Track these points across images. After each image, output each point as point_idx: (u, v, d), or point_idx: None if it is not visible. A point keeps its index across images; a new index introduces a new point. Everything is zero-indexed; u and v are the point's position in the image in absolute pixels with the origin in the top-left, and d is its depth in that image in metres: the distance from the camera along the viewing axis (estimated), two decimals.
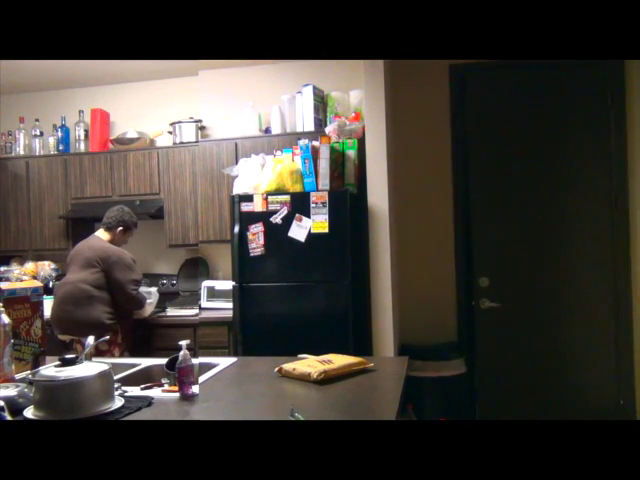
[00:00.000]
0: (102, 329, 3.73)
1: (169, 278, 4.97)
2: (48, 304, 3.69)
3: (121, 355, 3.84)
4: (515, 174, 4.02)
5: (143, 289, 4.18)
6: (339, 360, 2.30)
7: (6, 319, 2.12)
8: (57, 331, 3.77)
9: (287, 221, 3.62)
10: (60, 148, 5.11)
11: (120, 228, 4.02)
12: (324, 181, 3.66)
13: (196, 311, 4.52)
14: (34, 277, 4.44)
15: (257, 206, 3.72)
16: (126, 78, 5.01)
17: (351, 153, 3.80)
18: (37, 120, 5.15)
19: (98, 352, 3.61)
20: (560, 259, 3.97)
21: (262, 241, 3.68)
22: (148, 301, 4.15)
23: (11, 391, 1.87)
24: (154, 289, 4.34)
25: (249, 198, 3.75)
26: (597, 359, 3.96)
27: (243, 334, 3.70)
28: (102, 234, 4.02)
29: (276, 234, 3.64)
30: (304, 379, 2.16)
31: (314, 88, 4.34)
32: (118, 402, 1.85)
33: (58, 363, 1.84)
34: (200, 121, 4.80)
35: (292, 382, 2.19)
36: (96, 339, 3.67)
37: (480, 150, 4.05)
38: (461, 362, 3.90)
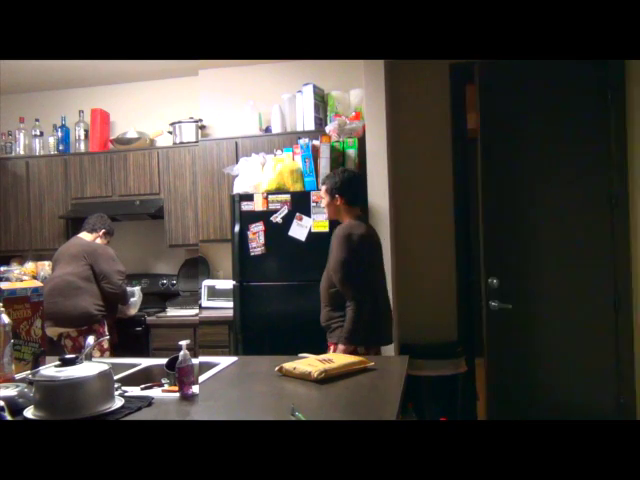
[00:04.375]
0: (90, 320, 3.85)
1: (169, 278, 4.97)
2: None
3: (109, 348, 3.89)
4: (515, 172, 4.02)
5: (127, 288, 4.22)
6: (339, 359, 2.30)
7: (6, 319, 2.12)
8: (45, 324, 3.79)
9: (287, 220, 3.62)
10: (60, 148, 5.11)
11: (103, 231, 4.15)
12: None
13: (196, 311, 4.53)
14: (34, 277, 4.43)
15: (257, 205, 3.72)
16: (126, 78, 5.01)
17: (351, 152, 3.80)
18: (37, 120, 5.15)
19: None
20: (561, 258, 3.97)
21: (262, 240, 3.68)
22: (132, 300, 4.18)
23: (11, 391, 1.87)
24: (137, 289, 4.37)
25: (249, 197, 3.76)
26: (597, 357, 3.95)
27: (243, 333, 3.71)
28: (85, 235, 4.14)
29: (276, 233, 3.64)
30: (305, 378, 2.16)
31: (314, 87, 4.33)
32: (118, 402, 1.85)
33: (58, 363, 1.84)
34: (200, 121, 4.80)
35: (293, 381, 2.19)
36: (87, 331, 3.76)
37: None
38: (461, 361, 3.90)
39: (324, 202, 3.17)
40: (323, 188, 3.16)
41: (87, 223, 4.18)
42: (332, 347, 3.13)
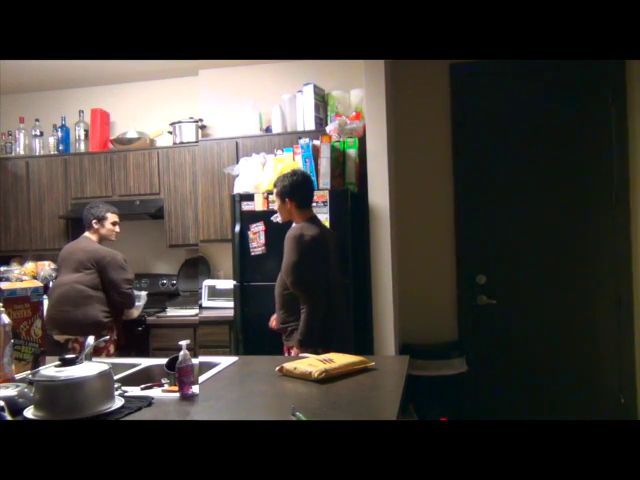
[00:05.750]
0: (100, 327, 3.81)
1: (169, 278, 4.97)
2: (46, 304, 3.72)
3: (115, 351, 3.89)
4: (516, 172, 4.02)
5: (134, 292, 4.20)
6: (340, 359, 2.30)
7: (6, 319, 2.12)
8: (54, 332, 3.79)
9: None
10: (60, 148, 5.11)
11: (94, 221, 4.04)
12: (325, 180, 3.67)
13: (196, 311, 4.52)
14: (34, 277, 4.43)
15: (258, 205, 3.72)
16: (126, 78, 5.01)
17: (352, 152, 3.80)
18: (37, 120, 5.15)
19: (94, 349, 3.66)
20: (561, 257, 3.97)
21: (263, 240, 3.68)
22: (137, 303, 4.17)
23: (11, 391, 1.87)
24: (143, 293, 4.35)
25: (250, 197, 3.76)
26: (598, 356, 3.96)
27: (244, 333, 3.70)
28: (89, 234, 4.08)
29: (277, 233, 3.63)
30: (305, 378, 2.16)
31: (315, 87, 4.33)
32: (118, 402, 1.85)
33: (58, 363, 1.84)
34: (200, 121, 4.80)
35: (293, 381, 2.19)
36: (95, 338, 3.75)
37: (481, 149, 4.05)
38: (462, 361, 3.90)
39: (276, 205, 3.25)
40: (274, 191, 3.23)
41: (83, 221, 4.10)
42: (288, 351, 3.16)
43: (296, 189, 3.17)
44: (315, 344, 2.98)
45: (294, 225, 3.20)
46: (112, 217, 4.10)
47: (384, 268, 3.69)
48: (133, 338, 4.33)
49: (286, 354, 3.17)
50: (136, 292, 4.24)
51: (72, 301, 3.84)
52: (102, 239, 4.06)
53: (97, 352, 3.57)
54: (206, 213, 4.58)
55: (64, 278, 3.96)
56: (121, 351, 3.96)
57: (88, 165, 4.89)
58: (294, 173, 3.24)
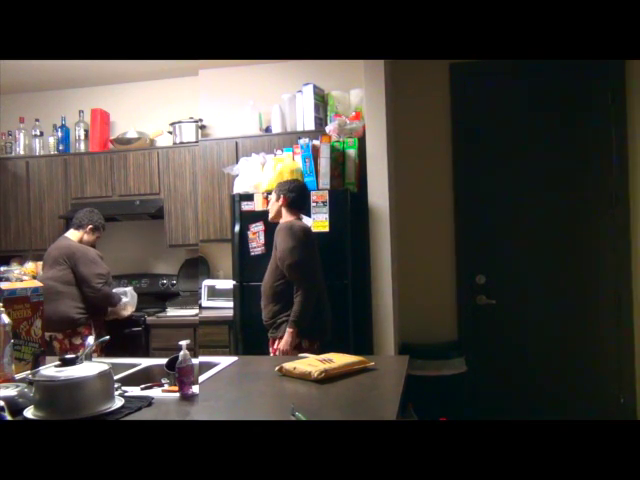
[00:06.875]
0: (72, 323, 3.82)
1: (169, 278, 4.97)
2: None
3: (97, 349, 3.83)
4: (515, 172, 4.02)
5: (118, 289, 4.18)
6: (340, 359, 2.30)
7: (6, 319, 2.12)
8: None
9: None
10: (60, 148, 5.11)
11: (90, 226, 4.06)
12: (324, 180, 3.67)
13: (196, 311, 4.52)
14: (34, 277, 4.43)
15: (257, 205, 3.73)
16: (126, 78, 5.01)
17: (351, 152, 3.80)
18: (37, 120, 5.14)
19: (72, 347, 3.71)
20: (561, 257, 3.97)
21: (263, 240, 3.68)
22: (124, 300, 4.13)
23: (11, 391, 1.87)
24: (129, 288, 4.32)
25: (249, 197, 3.76)
26: (598, 357, 3.96)
27: (244, 333, 3.70)
28: (71, 234, 4.08)
29: None
30: (305, 378, 2.16)
31: (314, 87, 4.34)
32: (118, 402, 1.85)
33: (58, 363, 1.84)
34: (200, 121, 4.80)
35: (293, 381, 2.19)
36: (68, 333, 3.75)
37: (480, 149, 4.05)
38: (462, 361, 3.90)
39: (270, 203, 3.47)
40: (273, 192, 3.47)
41: (75, 218, 4.10)
42: (276, 342, 3.23)
43: (293, 189, 3.37)
44: (306, 326, 3.14)
45: (283, 220, 3.36)
46: (101, 233, 4.16)
47: (384, 268, 3.69)
48: (130, 338, 4.31)
49: (271, 348, 3.25)
50: (121, 288, 4.22)
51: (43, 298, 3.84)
52: (81, 242, 4.05)
53: (75, 350, 3.55)
54: (206, 213, 4.58)
55: (41, 276, 3.98)
56: (110, 350, 3.91)
57: (88, 165, 4.89)
58: (294, 180, 3.52)
